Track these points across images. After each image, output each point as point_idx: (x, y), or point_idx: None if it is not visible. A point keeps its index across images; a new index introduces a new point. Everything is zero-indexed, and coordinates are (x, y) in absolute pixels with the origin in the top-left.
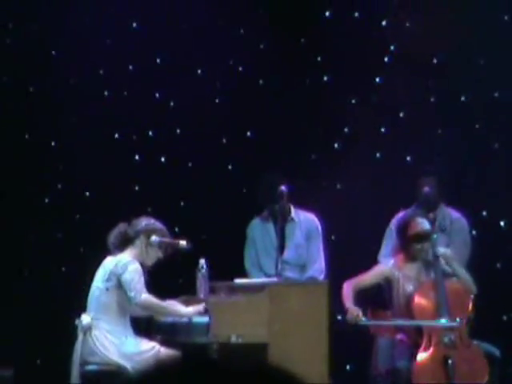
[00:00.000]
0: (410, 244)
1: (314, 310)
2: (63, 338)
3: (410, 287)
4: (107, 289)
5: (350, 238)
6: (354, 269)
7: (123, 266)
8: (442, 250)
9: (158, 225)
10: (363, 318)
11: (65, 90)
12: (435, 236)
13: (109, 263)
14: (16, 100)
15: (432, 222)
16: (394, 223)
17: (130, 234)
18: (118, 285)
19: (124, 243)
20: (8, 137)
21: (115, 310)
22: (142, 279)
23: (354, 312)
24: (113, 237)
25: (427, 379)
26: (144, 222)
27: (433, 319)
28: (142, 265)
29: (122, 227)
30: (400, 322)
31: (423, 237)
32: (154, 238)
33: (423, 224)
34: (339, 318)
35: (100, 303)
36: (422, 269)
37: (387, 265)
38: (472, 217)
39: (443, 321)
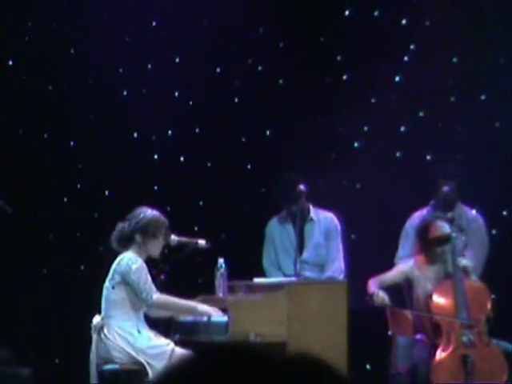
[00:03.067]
0: (430, 247)
1: (332, 309)
2: (82, 337)
3: (429, 286)
4: (113, 287)
5: (369, 237)
6: (373, 268)
7: (126, 265)
8: (463, 261)
9: (150, 217)
10: (389, 302)
11: (84, 89)
12: (455, 235)
13: (115, 263)
14: (35, 99)
15: (451, 222)
16: (409, 224)
17: (127, 232)
18: (123, 281)
19: (125, 242)
20: (27, 136)
21: (124, 306)
22: (149, 276)
23: (381, 295)
24: (114, 238)
25: (446, 378)
26: (137, 218)
27: (451, 317)
28: (149, 259)
29: (119, 227)
30: (424, 314)
31: (443, 240)
32: (172, 237)
33: (443, 228)
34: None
35: (109, 302)
36: (442, 271)
37: (408, 264)
38: (492, 216)
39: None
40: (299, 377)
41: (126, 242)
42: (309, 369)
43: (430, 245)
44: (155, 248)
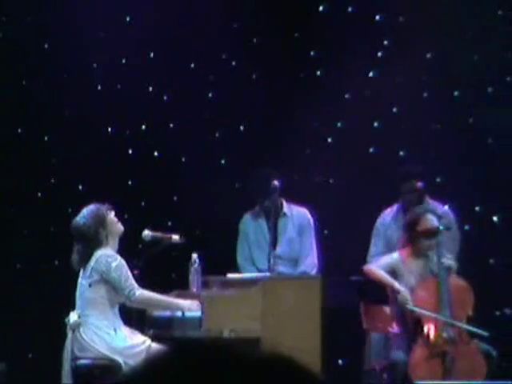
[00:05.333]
0: (418, 239)
1: (306, 304)
2: (55, 333)
3: (412, 281)
4: (90, 285)
5: (342, 232)
6: (346, 263)
7: (106, 263)
8: (448, 261)
9: (96, 210)
10: (410, 305)
11: (58, 83)
12: (442, 228)
13: (90, 259)
14: (9, 94)
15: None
16: (380, 221)
17: (88, 246)
18: (102, 280)
19: (93, 247)
20: (1, 131)
21: (101, 304)
22: (129, 273)
23: (405, 295)
24: (76, 257)
25: (424, 373)
26: (89, 220)
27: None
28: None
29: (76, 247)
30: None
31: (432, 233)
32: (146, 232)
33: (433, 221)
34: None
35: (85, 300)
36: (426, 266)
37: (393, 257)
38: (466, 212)
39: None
40: (271, 376)
41: (94, 246)
42: (281, 368)
43: (418, 237)
44: (116, 237)
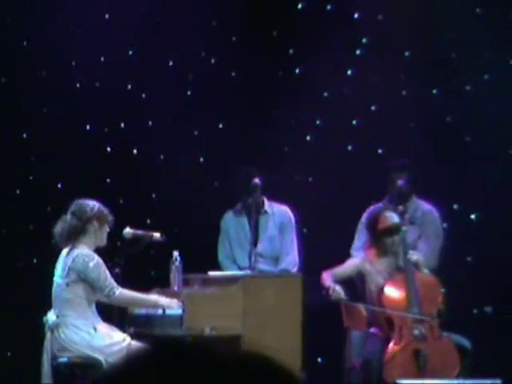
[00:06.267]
0: (380, 238)
1: (287, 303)
2: (33, 331)
3: (380, 280)
4: (67, 284)
5: (322, 231)
6: (326, 262)
7: (83, 263)
8: (414, 256)
9: (98, 205)
10: (345, 297)
11: (37, 81)
12: (405, 229)
13: (66, 257)
14: None
15: (402, 215)
16: (365, 216)
17: (78, 225)
18: (80, 279)
19: (75, 236)
20: None
21: (79, 303)
22: (107, 272)
23: (337, 289)
24: (60, 230)
25: (398, 372)
26: (86, 209)
27: (404, 311)
28: (102, 252)
29: (68, 219)
30: (376, 309)
31: (393, 230)
32: (127, 230)
33: (392, 218)
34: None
35: (63, 299)
36: (393, 263)
37: (358, 258)
38: (444, 210)
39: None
40: (248, 375)
41: (78, 234)
42: (258, 367)
43: (380, 236)
44: (104, 237)
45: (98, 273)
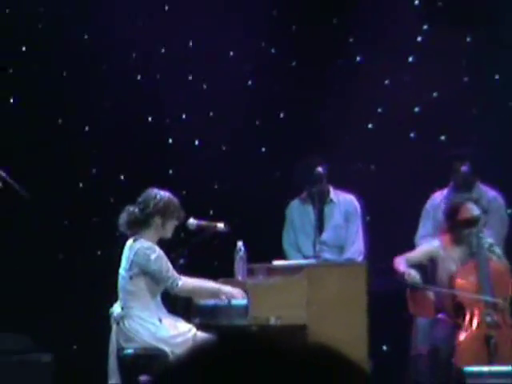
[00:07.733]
0: (458, 228)
1: (352, 291)
2: (99, 323)
3: (453, 267)
4: (131, 277)
5: (384, 219)
6: (389, 250)
7: (144, 256)
8: (489, 240)
9: (167, 198)
10: (420, 281)
11: (98, 74)
12: (483, 222)
13: (129, 250)
14: (49, 85)
15: (477, 203)
16: (430, 203)
17: (143, 216)
18: (142, 272)
19: (139, 225)
20: (41, 122)
21: (143, 295)
22: (169, 263)
23: (413, 273)
24: (124, 221)
25: (469, 359)
26: (154, 200)
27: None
28: (161, 240)
29: (131, 210)
30: (456, 292)
31: (473, 222)
32: (191, 221)
33: (473, 210)
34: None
35: (127, 292)
36: (467, 252)
37: (433, 244)
38: (509, 196)
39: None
40: (316, 367)
41: (140, 226)
42: (325, 360)
43: (458, 226)
44: (170, 229)
45: (160, 265)
